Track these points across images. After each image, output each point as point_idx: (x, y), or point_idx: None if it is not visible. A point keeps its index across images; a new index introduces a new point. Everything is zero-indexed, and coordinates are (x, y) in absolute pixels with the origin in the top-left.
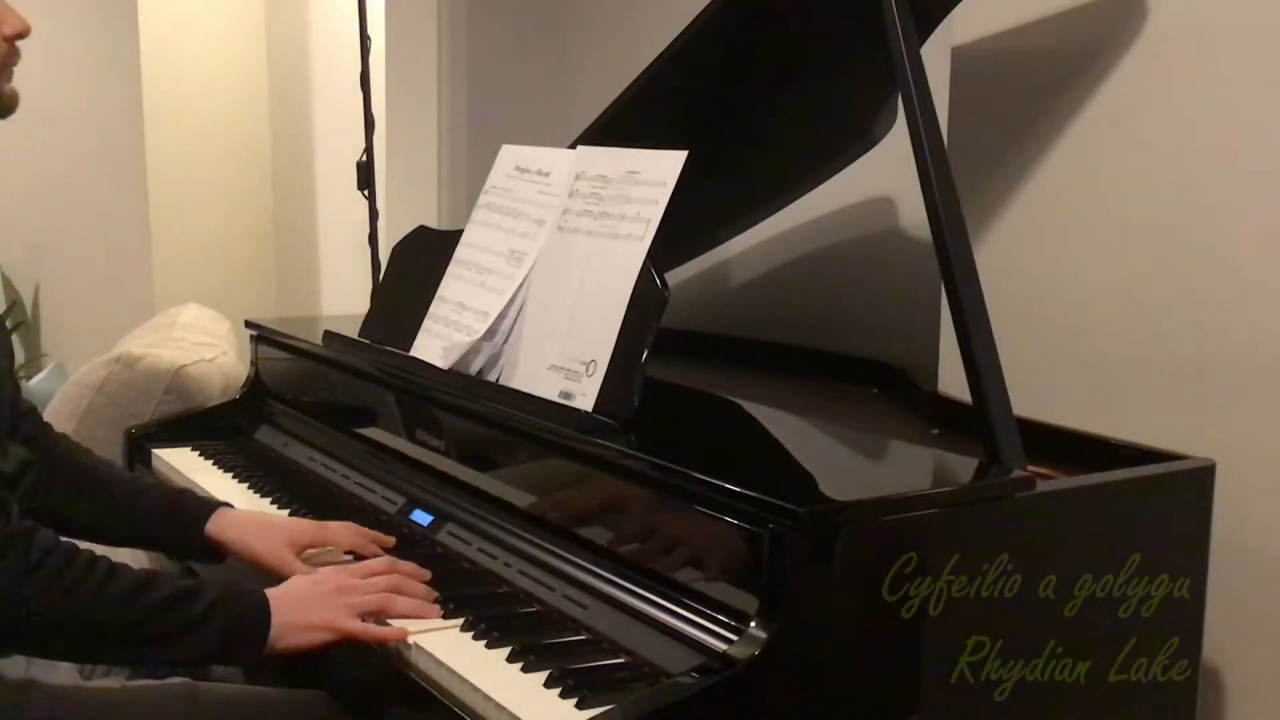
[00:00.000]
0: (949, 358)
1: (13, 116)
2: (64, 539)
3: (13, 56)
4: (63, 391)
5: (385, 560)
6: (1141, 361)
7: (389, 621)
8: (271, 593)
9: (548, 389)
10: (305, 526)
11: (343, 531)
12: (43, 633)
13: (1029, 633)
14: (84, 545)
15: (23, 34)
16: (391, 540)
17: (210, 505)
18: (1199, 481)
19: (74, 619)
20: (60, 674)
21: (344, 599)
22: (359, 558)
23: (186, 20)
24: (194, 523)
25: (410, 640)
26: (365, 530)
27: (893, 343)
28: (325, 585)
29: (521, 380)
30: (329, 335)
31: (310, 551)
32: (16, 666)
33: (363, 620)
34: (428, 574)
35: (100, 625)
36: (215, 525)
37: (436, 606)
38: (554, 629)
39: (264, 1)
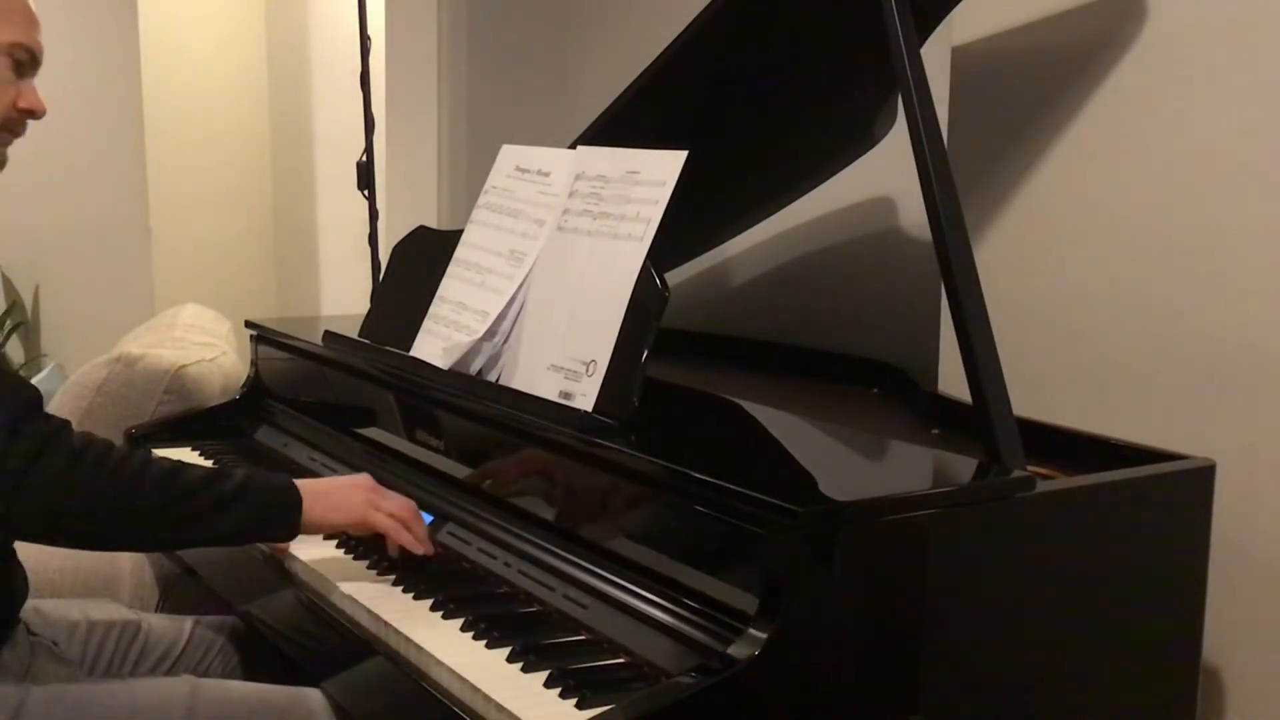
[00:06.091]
0: (949, 358)
1: None
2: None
3: (19, 128)
4: (63, 391)
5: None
6: (1142, 362)
7: (387, 620)
8: (297, 480)
9: (548, 389)
10: None
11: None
12: (88, 517)
13: (1029, 632)
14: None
15: (34, 113)
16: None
17: None
18: (1199, 481)
19: (119, 500)
20: (61, 672)
21: (369, 494)
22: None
23: (186, 20)
24: None
25: (410, 638)
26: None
27: (893, 343)
28: (352, 480)
29: (521, 380)
30: (329, 335)
31: None
32: (18, 664)
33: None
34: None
35: (143, 505)
36: None
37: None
38: (554, 629)
39: (264, 1)
